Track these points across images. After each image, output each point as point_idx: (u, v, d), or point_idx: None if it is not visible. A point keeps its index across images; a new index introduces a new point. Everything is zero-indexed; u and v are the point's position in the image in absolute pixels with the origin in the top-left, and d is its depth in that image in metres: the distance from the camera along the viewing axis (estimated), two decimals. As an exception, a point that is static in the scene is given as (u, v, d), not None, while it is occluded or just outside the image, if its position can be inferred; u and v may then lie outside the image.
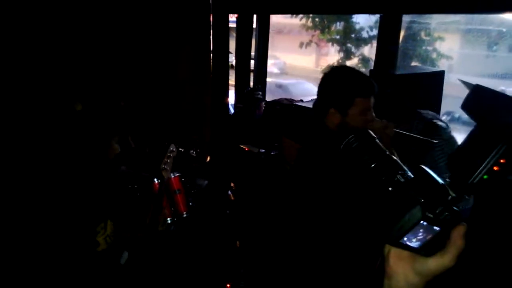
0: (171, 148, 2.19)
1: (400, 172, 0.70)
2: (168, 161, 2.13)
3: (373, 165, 0.76)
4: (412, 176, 0.68)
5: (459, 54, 8.28)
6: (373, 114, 1.61)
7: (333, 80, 1.62)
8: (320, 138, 1.60)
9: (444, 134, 2.14)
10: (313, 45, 8.57)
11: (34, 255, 1.42)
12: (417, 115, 2.23)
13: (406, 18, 2.99)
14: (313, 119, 1.67)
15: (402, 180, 0.68)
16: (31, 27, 2.82)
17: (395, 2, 2.85)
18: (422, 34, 6.51)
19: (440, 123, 2.22)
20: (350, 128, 1.54)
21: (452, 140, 2.16)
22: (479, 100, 1.48)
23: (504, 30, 6.69)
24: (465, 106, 1.37)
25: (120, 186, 2.35)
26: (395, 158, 0.81)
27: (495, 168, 0.75)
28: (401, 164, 0.93)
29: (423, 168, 0.64)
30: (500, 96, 1.50)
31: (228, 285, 2.58)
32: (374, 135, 1.09)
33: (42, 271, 1.42)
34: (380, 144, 1.01)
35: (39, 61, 2.84)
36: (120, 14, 3.39)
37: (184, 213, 2.41)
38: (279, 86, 7.97)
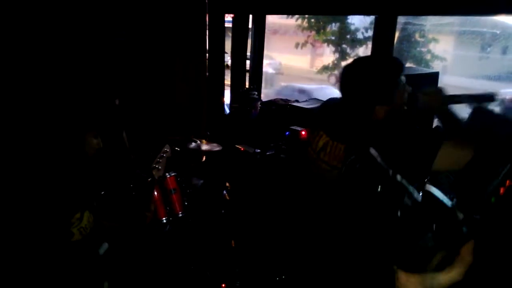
0: (165, 149, 2.18)
1: (407, 194, 0.72)
2: (160, 161, 2.12)
3: (379, 189, 0.77)
4: (419, 198, 0.70)
5: (453, 55, 8.34)
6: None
7: (368, 77, 1.47)
8: (376, 133, 1.40)
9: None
10: (309, 45, 8.59)
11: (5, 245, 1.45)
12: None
13: (401, 20, 3.01)
14: (354, 119, 1.53)
15: (410, 203, 0.68)
16: (22, 24, 2.80)
17: (390, 4, 2.87)
18: (417, 35, 6.55)
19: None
20: (398, 110, 1.49)
21: None
22: (479, 122, 1.51)
23: (498, 32, 6.75)
24: (467, 128, 1.40)
25: (114, 184, 2.36)
26: (398, 179, 0.82)
27: (502, 189, 0.77)
28: (407, 185, 0.94)
29: (430, 192, 0.66)
30: (499, 117, 1.53)
31: (223, 285, 2.59)
32: (375, 155, 1.10)
33: (14, 260, 1.45)
34: (383, 163, 1.01)
35: (26, 59, 2.82)
36: (116, 13, 3.38)
37: (180, 212, 2.41)
38: (302, 91, 7.87)
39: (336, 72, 9.63)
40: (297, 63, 13.39)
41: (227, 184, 3.17)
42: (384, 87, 1.45)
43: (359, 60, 1.59)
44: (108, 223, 1.78)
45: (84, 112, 1.60)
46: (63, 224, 1.47)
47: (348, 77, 1.53)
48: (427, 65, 6.30)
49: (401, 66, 1.50)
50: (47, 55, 2.94)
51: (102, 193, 2.13)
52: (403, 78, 1.49)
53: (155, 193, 2.30)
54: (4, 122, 2.48)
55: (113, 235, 1.74)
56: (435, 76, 2.75)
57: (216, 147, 2.91)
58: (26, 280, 1.45)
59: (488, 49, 7.55)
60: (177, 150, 2.70)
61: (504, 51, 8.14)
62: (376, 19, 3.05)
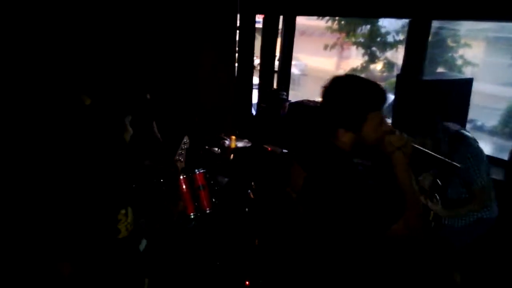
0: (185, 140, 2.21)
1: None
2: (182, 152, 2.15)
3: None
4: None
5: (484, 61, 8.10)
6: (388, 124, 1.44)
7: (338, 95, 1.39)
8: (331, 162, 1.38)
9: (471, 147, 2.09)
10: (334, 48, 8.52)
11: (56, 242, 1.47)
12: (441, 128, 2.12)
13: (434, 24, 2.96)
14: (318, 140, 1.46)
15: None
16: (44, 18, 2.88)
17: (425, 8, 2.83)
18: (449, 40, 6.40)
19: (466, 133, 2.17)
20: (367, 145, 1.41)
21: (480, 154, 2.11)
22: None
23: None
24: None
25: (144, 179, 2.41)
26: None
27: None
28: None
29: None
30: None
31: (247, 282, 2.61)
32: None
33: (66, 257, 1.46)
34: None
35: (51, 56, 2.90)
36: (148, 10, 3.45)
37: (208, 209, 2.44)
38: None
39: (366, 74, 9.53)
40: (323, 65, 13.30)
41: (252, 184, 3.20)
42: (351, 111, 1.36)
43: (336, 79, 1.47)
44: (158, 225, 1.81)
45: (123, 101, 1.62)
46: (112, 221, 1.48)
47: (323, 95, 1.45)
48: (459, 71, 6.15)
49: (379, 96, 1.39)
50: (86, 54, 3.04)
51: (135, 186, 2.18)
52: (380, 111, 1.38)
53: (184, 188, 2.34)
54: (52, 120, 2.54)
55: (150, 231, 1.77)
56: (469, 82, 2.70)
57: (247, 143, 2.96)
58: (76, 279, 1.46)
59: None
60: (206, 148, 2.74)
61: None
62: (409, 22, 3.02)
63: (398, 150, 1.33)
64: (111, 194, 1.47)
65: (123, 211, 1.53)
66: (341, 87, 1.40)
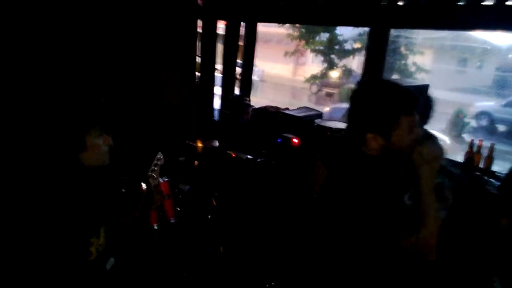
0: (159, 156, 2.16)
1: None
2: (156, 169, 2.10)
3: None
4: None
5: (436, 68, 8.55)
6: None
7: (368, 99, 1.34)
8: (358, 166, 1.32)
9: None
10: (295, 55, 8.69)
11: (25, 266, 1.36)
12: None
13: (391, 32, 3.07)
14: (345, 144, 1.41)
15: None
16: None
17: (384, 17, 2.93)
18: (403, 48, 6.70)
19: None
20: (397, 151, 1.35)
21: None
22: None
23: (488, 47, 6.96)
24: (501, 190, 1.44)
25: (113, 191, 2.30)
26: None
27: None
28: None
29: None
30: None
31: (213, 292, 2.56)
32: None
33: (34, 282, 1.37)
34: None
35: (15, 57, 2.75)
36: (106, 14, 3.34)
37: (172, 218, 2.37)
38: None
39: (323, 80, 9.75)
40: (280, 71, 13.56)
41: (215, 190, 3.16)
42: (383, 113, 1.30)
43: (366, 83, 1.45)
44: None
45: (80, 114, 1.50)
46: (83, 245, 1.41)
47: (352, 99, 1.39)
48: (411, 77, 6.44)
49: (412, 100, 1.33)
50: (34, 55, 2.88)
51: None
52: (413, 116, 1.32)
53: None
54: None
55: (117, 247, 1.69)
56: (425, 89, 2.81)
57: (215, 143, 2.93)
58: None
59: (478, 63, 7.74)
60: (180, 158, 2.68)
61: (481, 66, 8.38)
62: (370, 31, 3.11)
63: (426, 164, 1.27)
64: (84, 220, 1.38)
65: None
66: (373, 89, 1.35)
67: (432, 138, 1.32)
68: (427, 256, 1.28)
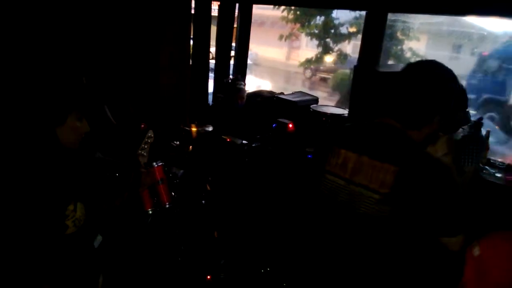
0: (149, 134, 2.13)
1: None
2: (145, 147, 2.07)
3: None
4: None
5: (432, 55, 8.53)
6: None
7: (441, 80, 1.26)
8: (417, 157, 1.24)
9: None
10: (290, 38, 8.57)
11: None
12: None
13: (388, 17, 3.03)
14: (395, 133, 1.29)
15: None
16: None
17: (381, 0, 2.88)
18: (399, 33, 6.64)
19: None
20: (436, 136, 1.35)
21: None
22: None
23: (485, 34, 6.92)
24: None
25: (96, 172, 2.27)
26: None
27: None
28: None
29: None
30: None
31: (208, 277, 2.56)
32: None
33: (7, 255, 1.37)
34: None
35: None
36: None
37: (167, 203, 2.35)
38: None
39: (317, 65, 9.68)
40: (273, 55, 13.43)
41: (209, 175, 3.14)
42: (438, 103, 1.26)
43: (419, 65, 1.32)
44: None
45: (57, 94, 1.47)
46: (57, 217, 1.40)
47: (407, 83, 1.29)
48: (407, 62, 6.41)
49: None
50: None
51: (87, 180, 2.05)
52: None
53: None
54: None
55: (106, 226, 1.68)
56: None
57: (209, 127, 2.90)
58: (20, 276, 1.38)
59: (475, 50, 7.69)
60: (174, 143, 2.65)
61: (473, 52, 8.34)
62: (366, 14, 3.06)
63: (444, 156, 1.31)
64: (54, 190, 1.38)
65: (71, 207, 1.45)
66: (437, 71, 1.28)
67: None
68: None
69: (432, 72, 1.27)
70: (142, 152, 2.06)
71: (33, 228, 1.36)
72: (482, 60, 6.36)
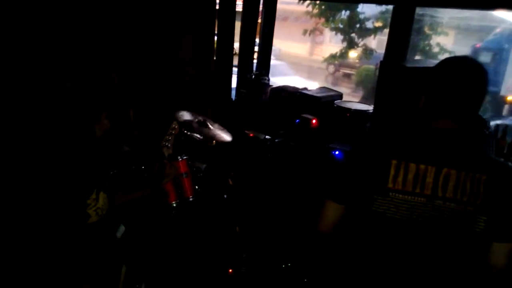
0: (173, 125, 2.15)
1: None
2: (170, 138, 2.09)
3: None
4: None
5: (460, 50, 8.30)
6: None
7: (487, 76, 1.23)
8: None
9: None
10: (314, 33, 8.49)
11: (20, 230, 1.42)
12: None
13: (416, 11, 2.96)
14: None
15: None
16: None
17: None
18: (426, 28, 6.48)
19: None
20: None
21: None
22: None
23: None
24: None
25: (122, 165, 2.32)
26: None
27: None
28: None
29: None
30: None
31: (230, 270, 2.59)
32: None
33: (30, 245, 1.42)
34: None
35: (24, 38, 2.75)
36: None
37: (190, 197, 2.38)
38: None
39: (340, 61, 9.57)
40: (296, 50, 13.32)
41: (231, 170, 3.16)
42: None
43: (463, 61, 1.26)
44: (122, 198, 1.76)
45: (95, 93, 1.55)
46: (79, 205, 1.44)
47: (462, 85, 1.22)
48: (435, 58, 6.26)
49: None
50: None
51: (112, 172, 2.10)
52: None
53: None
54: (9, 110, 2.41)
55: (129, 217, 1.72)
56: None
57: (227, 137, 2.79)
58: (42, 265, 1.41)
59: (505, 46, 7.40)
60: (186, 133, 2.66)
61: None
62: (394, 9, 3.00)
63: None
64: (76, 179, 1.44)
65: (93, 196, 1.48)
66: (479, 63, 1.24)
67: None
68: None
69: (479, 69, 1.22)
70: (167, 144, 2.08)
71: (53, 212, 1.40)
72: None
